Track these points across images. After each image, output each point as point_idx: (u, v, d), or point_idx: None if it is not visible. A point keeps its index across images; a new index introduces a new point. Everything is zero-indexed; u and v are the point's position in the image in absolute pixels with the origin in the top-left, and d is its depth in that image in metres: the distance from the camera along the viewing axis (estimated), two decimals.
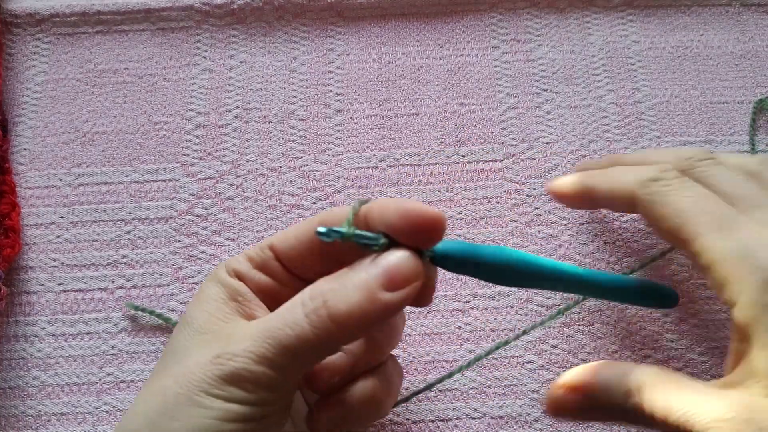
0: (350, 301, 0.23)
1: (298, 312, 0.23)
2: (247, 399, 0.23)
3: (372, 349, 0.27)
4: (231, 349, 0.23)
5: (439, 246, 0.25)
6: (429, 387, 0.31)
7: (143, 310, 0.34)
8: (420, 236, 0.24)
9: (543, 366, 0.33)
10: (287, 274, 0.27)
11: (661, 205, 0.27)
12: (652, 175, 0.28)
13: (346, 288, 0.23)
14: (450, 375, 0.31)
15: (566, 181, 0.32)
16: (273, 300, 0.26)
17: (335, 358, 0.26)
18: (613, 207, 0.33)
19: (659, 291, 0.30)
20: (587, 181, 0.31)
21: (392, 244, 0.24)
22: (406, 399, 0.32)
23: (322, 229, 0.24)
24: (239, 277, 0.26)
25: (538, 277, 0.26)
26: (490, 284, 0.35)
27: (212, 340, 0.24)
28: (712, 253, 0.25)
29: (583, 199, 0.32)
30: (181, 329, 0.25)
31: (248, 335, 0.23)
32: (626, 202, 0.29)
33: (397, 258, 0.23)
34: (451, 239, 0.27)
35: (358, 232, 0.24)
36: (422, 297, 0.25)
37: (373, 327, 0.24)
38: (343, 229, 0.24)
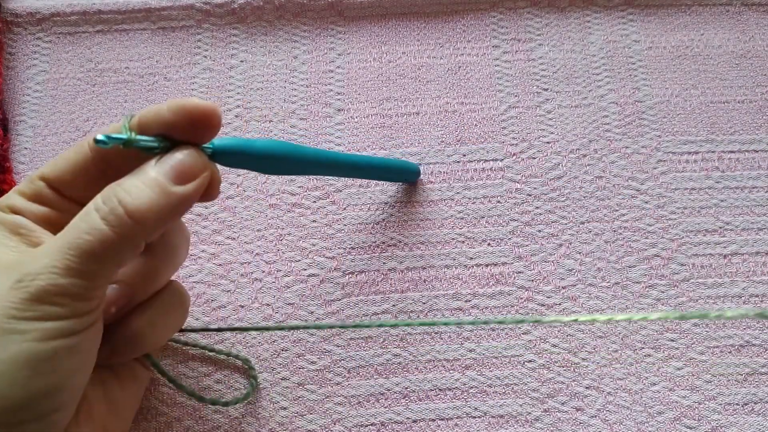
0: (145, 198, 0.24)
1: (94, 217, 0.23)
2: (62, 313, 0.22)
3: (148, 276, 0.27)
4: (30, 269, 0.23)
5: (216, 142, 0.26)
6: (237, 329, 0.32)
7: None
8: (197, 130, 0.25)
9: (543, 365, 0.33)
10: (66, 201, 0.27)
11: None
12: None
13: (138, 187, 0.24)
14: (292, 327, 0.32)
15: None
16: (58, 229, 0.25)
17: (110, 291, 0.26)
18: None
19: (403, 167, 0.36)
20: None
21: (172, 145, 0.25)
22: (197, 330, 0.33)
23: (100, 137, 0.24)
24: (15, 212, 0.26)
25: (304, 164, 0.29)
26: (490, 284, 0.35)
27: (3, 272, 0.23)
28: None
29: None
30: None
31: (45, 254, 0.23)
32: None
33: (183, 154, 0.25)
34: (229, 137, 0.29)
35: (139, 136, 0.25)
36: (209, 191, 0.26)
37: (170, 221, 0.25)
38: (124, 135, 0.24)
